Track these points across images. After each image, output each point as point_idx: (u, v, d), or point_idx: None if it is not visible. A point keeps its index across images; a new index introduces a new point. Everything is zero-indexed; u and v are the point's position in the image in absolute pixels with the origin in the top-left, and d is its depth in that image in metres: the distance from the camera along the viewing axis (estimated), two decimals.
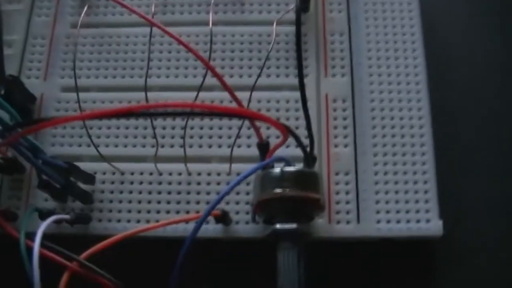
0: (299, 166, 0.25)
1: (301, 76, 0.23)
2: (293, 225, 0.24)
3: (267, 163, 0.24)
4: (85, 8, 0.28)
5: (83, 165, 0.27)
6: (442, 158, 0.28)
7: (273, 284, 0.23)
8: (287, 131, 0.23)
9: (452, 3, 0.32)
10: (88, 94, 0.29)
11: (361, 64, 0.28)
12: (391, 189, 0.27)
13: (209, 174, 0.27)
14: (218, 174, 0.27)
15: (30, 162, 0.24)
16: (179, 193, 0.27)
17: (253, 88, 0.26)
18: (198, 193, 0.27)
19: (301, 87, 0.23)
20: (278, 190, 0.23)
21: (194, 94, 0.25)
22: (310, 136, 0.24)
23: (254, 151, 0.25)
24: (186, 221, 0.25)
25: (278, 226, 0.24)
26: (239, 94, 0.24)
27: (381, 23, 0.29)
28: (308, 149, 0.25)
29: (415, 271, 0.27)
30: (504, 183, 0.28)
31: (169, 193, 0.27)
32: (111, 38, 0.30)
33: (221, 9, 0.30)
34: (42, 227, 0.23)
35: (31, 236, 0.22)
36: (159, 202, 0.27)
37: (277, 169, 0.24)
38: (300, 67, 0.23)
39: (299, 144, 0.24)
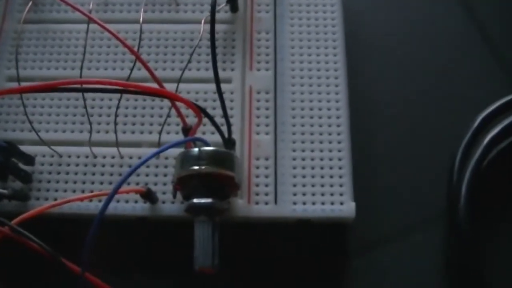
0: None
1: (215, 67, 0.26)
2: (208, 200, 0.27)
3: (183, 141, 0.27)
4: (29, 4, 0.31)
5: (24, 148, 0.30)
6: (358, 146, 0.31)
7: None
8: (200, 113, 0.26)
9: (373, 7, 0.35)
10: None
11: (284, 59, 0.32)
12: (307, 174, 0.29)
13: (139, 157, 0.30)
14: None
15: None
16: (111, 174, 0.30)
17: (180, 79, 0.29)
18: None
19: (216, 77, 0.26)
20: (195, 167, 0.26)
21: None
22: (227, 120, 0.28)
23: (181, 137, 0.28)
24: (99, 197, 0.28)
25: (194, 200, 0.27)
26: (170, 86, 0.28)
27: (305, 23, 0.32)
28: (227, 133, 0.28)
29: (330, 253, 0.30)
30: (417, 169, 0.31)
31: (102, 174, 0.30)
32: (55, 33, 0.33)
33: (158, 8, 0.33)
34: None
35: None
36: (93, 183, 0.30)
37: (195, 149, 0.27)
38: (214, 58, 0.26)
39: (215, 125, 0.27)
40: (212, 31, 0.26)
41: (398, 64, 0.34)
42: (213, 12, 0.27)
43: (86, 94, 0.30)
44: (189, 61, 0.30)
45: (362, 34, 0.34)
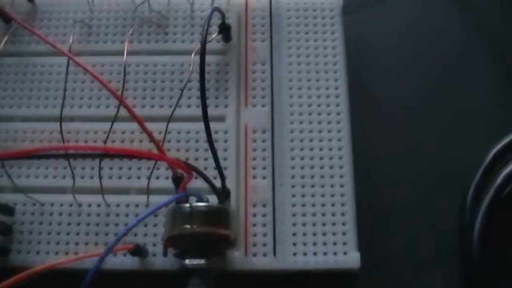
0: (212, 199, 0.26)
1: (204, 110, 0.24)
2: (201, 261, 0.25)
3: (176, 198, 0.25)
4: (6, 36, 0.29)
5: (3, 197, 0.28)
6: (362, 186, 0.29)
7: None
8: (189, 170, 0.24)
9: (376, 36, 0.33)
10: (11, 124, 0.30)
11: (282, 94, 0.30)
12: (308, 221, 0.28)
13: (127, 205, 0.28)
14: (137, 206, 0.28)
15: None
16: (97, 224, 0.28)
17: (169, 119, 0.27)
18: (117, 224, 0.28)
19: (206, 125, 0.24)
20: (187, 226, 0.25)
21: (109, 124, 0.26)
22: (220, 172, 0.26)
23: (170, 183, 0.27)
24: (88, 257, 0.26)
25: (186, 261, 0.25)
26: (161, 125, 0.26)
27: (304, 53, 0.30)
28: (220, 184, 0.26)
29: None
30: (427, 208, 0.30)
31: (88, 224, 0.28)
32: (35, 67, 0.31)
33: (144, 38, 0.31)
34: None
35: None
36: (78, 234, 0.28)
37: (186, 205, 0.25)
38: (203, 100, 0.24)
39: (206, 180, 0.25)
40: (202, 72, 0.24)
41: (403, 96, 0.32)
42: (203, 46, 0.24)
43: (68, 135, 0.28)
44: (180, 98, 0.28)
45: (365, 63, 0.32)
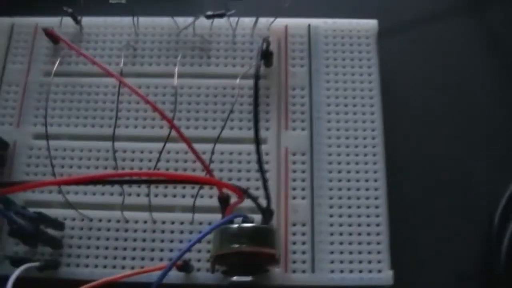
0: (257, 219, 0.28)
1: (258, 140, 0.26)
2: (248, 278, 0.27)
3: (225, 221, 0.27)
4: (59, 59, 0.31)
5: (53, 211, 0.30)
6: (396, 207, 0.30)
7: None
8: (242, 193, 0.26)
9: (410, 61, 0.35)
10: (59, 142, 0.31)
11: (320, 118, 0.31)
12: (345, 240, 0.29)
13: (172, 223, 0.30)
14: (181, 223, 0.30)
15: (1, 214, 0.27)
16: (144, 240, 0.30)
17: (216, 141, 0.29)
18: (162, 241, 0.30)
19: (258, 153, 0.26)
20: (235, 246, 0.26)
21: (160, 144, 0.28)
22: (267, 194, 0.27)
23: (216, 202, 0.28)
24: (152, 271, 0.28)
25: (234, 278, 0.27)
26: (204, 146, 0.29)
27: (341, 78, 0.32)
28: (265, 205, 0.28)
29: None
30: (455, 231, 0.31)
31: (134, 240, 0.30)
32: (82, 87, 0.32)
33: (188, 61, 0.33)
34: (12, 278, 0.25)
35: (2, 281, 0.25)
36: (125, 249, 0.30)
37: (235, 225, 0.27)
38: (256, 126, 0.26)
39: (256, 203, 0.27)
40: (256, 98, 0.26)
41: (434, 120, 0.33)
42: (257, 74, 0.26)
43: (118, 155, 0.30)
44: (226, 121, 0.30)
45: (399, 89, 0.34)
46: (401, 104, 0.34)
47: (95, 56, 0.33)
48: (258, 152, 0.26)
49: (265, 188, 0.27)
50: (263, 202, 0.28)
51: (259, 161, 0.26)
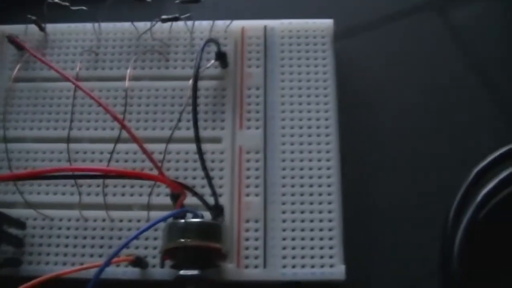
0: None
1: (197, 135, 0.28)
2: (195, 272, 0.28)
3: (173, 214, 0.29)
4: (19, 65, 0.33)
5: (16, 212, 0.32)
6: (350, 203, 0.32)
7: None
8: (183, 189, 0.28)
9: (367, 60, 0.36)
10: (23, 145, 0.34)
11: (275, 117, 0.33)
12: (297, 236, 0.31)
13: (130, 221, 0.32)
14: (138, 221, 0.32)
15: None
16: (102, 238, 0.32)
17: (169, 140, 0.31)
18: (120, 238, 0.32)
19: (198, 147, 0.28)
20: (181, 240, 0.28)
21: (117, 145, 0.31)
22: (212, 190, 0.29)
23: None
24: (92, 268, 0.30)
25: (181, 272, 0.29)
26: (159, 146, 0.31)
27: (296, 78, 0.34)
28: (212, 201, 0.30)
29: None
30: (410, 225, 0.33)
31: (93, 238, 0.32)
32: (45, 92, 0.35)
33: (147, 64, 0.35)
34: None
35: None
36: (84, 247, 0.32)
37: (181, 221, 0.29)
38: (195, 123, 0.28)
39: (201, 200, 0.29)
40: (194, 93, 0.28)
41: (392, 118, 0.35)
42: (195, 74, 0.28)
43: (75, 156, 0.32)
44: (179, 121, 0.32)
45: (355, 87, 0.35)
46: (357, 103, 0.35)
47: (59, 61, 0.35)
48: (199, 151, 0.28)
49: (210, 185, 0.29)
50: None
51: (201, 159, 0.28)
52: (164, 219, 0.28)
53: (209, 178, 0.29)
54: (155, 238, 0.31)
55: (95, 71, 0.35)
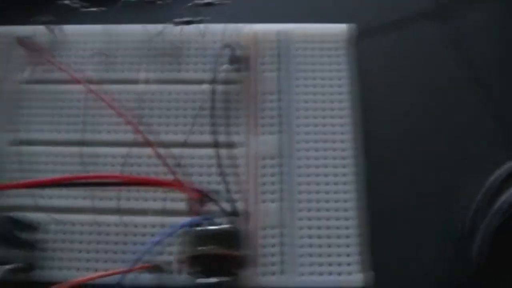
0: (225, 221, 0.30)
1: (216, 141, 0.28)
2: (213, 280, 0.29)
3: (191, 222, 0.29)
4: (30, 67, 0.33)
5: (28, 216, 0.32)
6: (367, 209, 0.33)
7: None
8: (201, 195, 0.28)
9: (383, 67, 0.37)
10: (34, 148, 0.34)
11: (290, 123, 0.33)
12: (314, 243, 0.32)
13: (144, 226, 0.32)
14: (153, 226, 0.32)
15: None
16: (116, 243, 0.32)
17: (184, 145, 0.32)
18: (135, 243, 0.32)
19: (217, 153, 0.28)
20: (200, 248, 0.29)
21: (130, 149, 0.32)
22: (230, 196, 0.30)
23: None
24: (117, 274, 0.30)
25: (200, 280, 0.29)
26: (174, 151, 0.31)
27: (311, 83, 0.34)
28: (230, 206, 0.30)
29: None
30: (427, 235, 0.34)
31: (107, 243, 0.32)
32: (56, 94, 0.35)
33: (159, 68, 0.35)
34: None
35: None
36: (97, 252, 0.32)
37: (200, 228, 0.29)
38: (214, 129, 0.29)
39: (217, 205, 0.29)
40: (213, 99, 0.29)
41: (407, 124, 0.36)
42: (213, 81, 0.29)
43: (88, 160, 0.32)
44: (193, 125, 0.32)
45: (371, 93, 0.36)
46: (375, 105, 0.36)
47: (69, 63, 0.35)
48: (218, 157, 0.28)
49: (228, 191, 0.29)
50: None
51: (219, 166, 0.29)
52: (183, 226, 0.28)
53: (226, 184, 0.29)
54: (171, 245, 0.31)
55: (106, 73, 0.35)
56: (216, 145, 0.29)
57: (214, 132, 0.29)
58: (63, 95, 0.35)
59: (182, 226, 0.28)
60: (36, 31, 0.36)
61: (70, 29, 0.36)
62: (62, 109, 0.34)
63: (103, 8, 0.34)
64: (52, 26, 0.35)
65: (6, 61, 0.35)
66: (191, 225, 0.29)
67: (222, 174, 0.29)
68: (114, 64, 0.35)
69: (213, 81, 0.29)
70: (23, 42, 0.35)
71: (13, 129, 0.34)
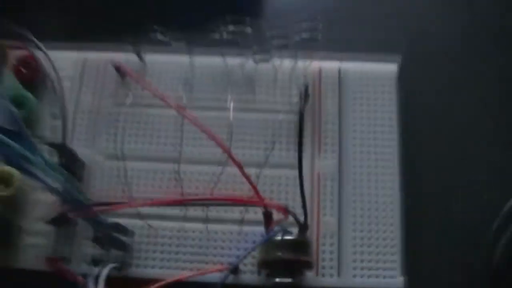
0: (295, 231, 0.37)
1: (300, 165, 0.35)
2: (288, 280, 0.36)
3: (271, 235, 0.36)
4: (129, 93, 0.40)
5: (124, 222, 0.38)
6: (408, 225, 0.39)
7: None
8: (286, 211, 0.35)
9: (429, 101, 0.43)
10: (128, 163, 0.40)
11: (347, 148, 0.40)
12: (365, 251, 0.38)
13: (224, 233, 0.39)
14: (231, 233, 0.39)
15: (94, 228, 0.36)
16: (200, 247, 0.39)
17: (263, 166, 0.38)
18: (215, 248, 0.39)
19: (300, 174, 0.35)
20: (278, 254, 0.35)
21: (215, 167, 0.38)
22: (305, 212, 0.36)
23: (261, 216, 0.37)
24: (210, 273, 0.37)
25: (277, 280, 0.36)
26: (251, 170, 0.36)
27: (365, 115, 0.41)
28: (302, 220, 0.37)
29: None
30: (467, 249, 0.40)
31: (192, 247, 0.39)
32: (148, 117, 0.41)
33: (236, 98, 0.41)
34: (103, 275, 0.34)
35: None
36: (184, 254, 0.39)
37: (278, 237, 0.36)
38: (300, 157, 0.35)
39: (296, 219, 0.36)
40: (301, 129, 0.36)
41: (451, 151, 0.41)
42: (301, 115, 0.35)
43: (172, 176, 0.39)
44: (272, 149, 0.39)
45: (416, 121, 0.42)
46: (418, 137, 0.42)
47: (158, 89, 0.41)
48: (301, 177, 0.35)
49: (304, 206, 0.36)
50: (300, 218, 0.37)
51: (301, 185, 0.35)
52: (272, 235, 0.35)
53: (304, 203, 0.36)
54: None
55: (189, 100, 0.41)
56: (300, 167, 0.35)
57: (299, 156, 0.35)
58: (152, 118, 0.41)
59: (272, 235, 0.35)
60: (127, 58, 0.41)
61: (158, 58, 0.42)
62: (152, 130, 0.41)
63: (189, 42, 0.39)
64: (143, 54, 0.41)
65: (101, 85, 0.41)
66: (273, 236, 0.36)
67: (302, 192, 0.35)
68: (197, 92, 0.41)
69: (300, 113, 0.36)
70: (119, 68, 0.41)
71: (110, 147, 0.40)
